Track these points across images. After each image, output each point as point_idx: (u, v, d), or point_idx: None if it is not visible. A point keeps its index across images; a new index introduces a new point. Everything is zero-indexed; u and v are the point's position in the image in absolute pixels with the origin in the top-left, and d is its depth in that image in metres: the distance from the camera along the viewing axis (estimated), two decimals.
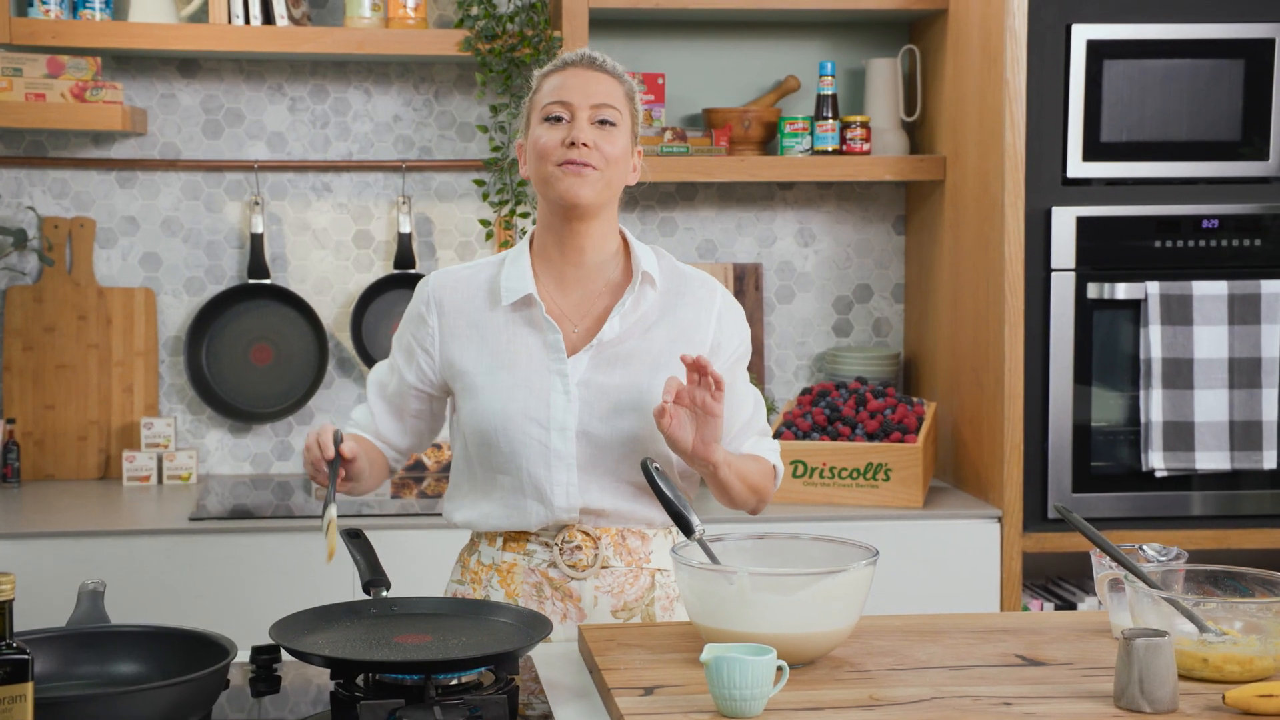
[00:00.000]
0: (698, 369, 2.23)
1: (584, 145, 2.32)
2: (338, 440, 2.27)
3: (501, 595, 2.39)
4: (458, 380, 2.40)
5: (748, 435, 2.46)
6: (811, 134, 3.82)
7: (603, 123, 2.34)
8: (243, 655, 2.15)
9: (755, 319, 3.99)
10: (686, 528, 2.22)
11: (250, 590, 3.29)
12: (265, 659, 2.14)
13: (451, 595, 2.48)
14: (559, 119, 2.34)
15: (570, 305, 2.41)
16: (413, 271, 3.90)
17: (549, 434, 2.34)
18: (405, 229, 3.89)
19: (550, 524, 2.37)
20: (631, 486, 2.37)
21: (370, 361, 3.88)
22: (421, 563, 3.32)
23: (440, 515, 3.41)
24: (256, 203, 3.85)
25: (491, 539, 2.43)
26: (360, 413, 2.52)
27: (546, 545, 2.39)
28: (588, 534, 2.38)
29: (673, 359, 2.35)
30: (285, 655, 2.13)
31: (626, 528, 2.39)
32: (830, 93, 3.82)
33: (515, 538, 2.41)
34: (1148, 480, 3.55)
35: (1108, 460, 3.56)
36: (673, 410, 2.23)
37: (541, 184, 2.36)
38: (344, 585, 3.27)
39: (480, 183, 3.87)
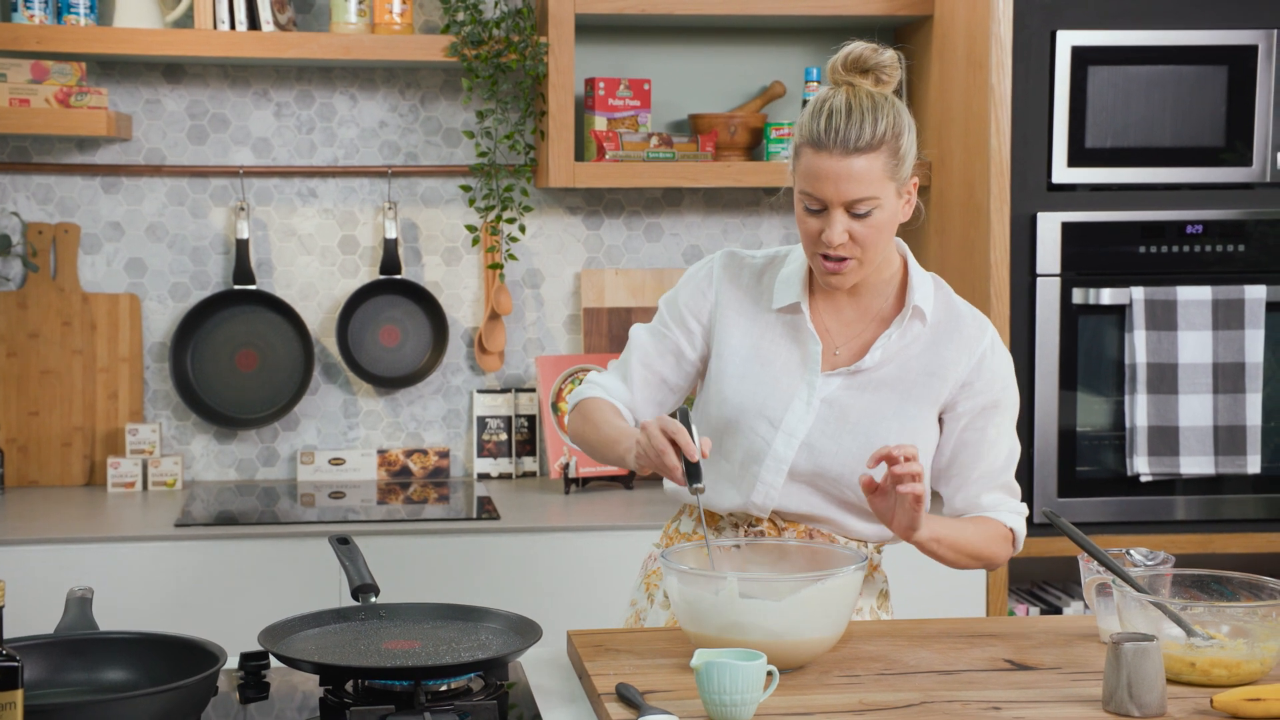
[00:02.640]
0: (888, 460, 2.14)
1: (839, 245, 2.26)
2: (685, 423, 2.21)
3: None
4: (714, 360, 2.42)
5: (988, 489, 2.40)
6: None
7: (859, 214, 2.25)
8: (231, 662, 2.15)
9: None
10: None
11: (238, 596, 3.28)
12: (254, 665, 2.14)
13: (656, 554, 2.49)
14: (815, 210, 2.27)
15: (841, 324, 2.39)
16: (399, 277, 3.89)
17: (775, 434, 2.34)
18: (391, 234, 3.89)
19: (738, 512, 2.39)
20: (835, 501, 2.37)
21: (356, 367, 3.88)
22: (409, 569, 3.33)
23: (425, 520, 3.45)
24: (242, 208, 3.85)
25: (691, 510, 2.47)
26: (612, 382, 2.47)
27: (736, 527, 2.41)
28: (775, 524, 2.39)
29: (923, 393, 2.34)
30: (274, 661, 2.13)
31: (815, 528, 2.39)
32: None
33: (712, 515, 2.44)
34: (1132, 485, 3.56)
35: (1093, 465, 3.57)
36: (885, 484, 2.18)
37: (805, 250, 2.33)
38: (332, 591, 3.27)
39: (466, 188, 3.87)
